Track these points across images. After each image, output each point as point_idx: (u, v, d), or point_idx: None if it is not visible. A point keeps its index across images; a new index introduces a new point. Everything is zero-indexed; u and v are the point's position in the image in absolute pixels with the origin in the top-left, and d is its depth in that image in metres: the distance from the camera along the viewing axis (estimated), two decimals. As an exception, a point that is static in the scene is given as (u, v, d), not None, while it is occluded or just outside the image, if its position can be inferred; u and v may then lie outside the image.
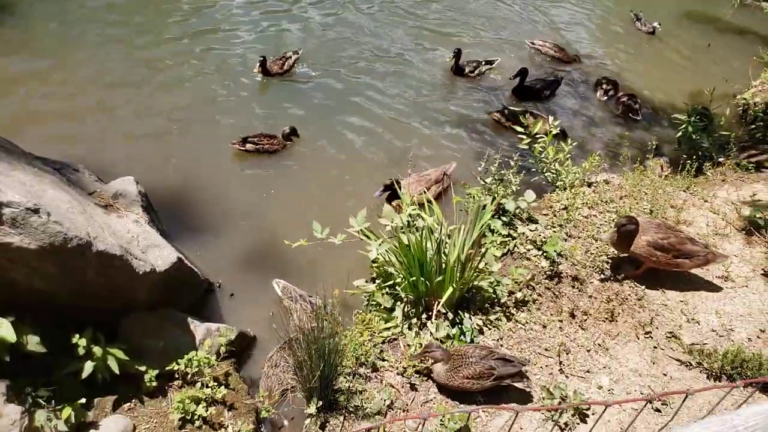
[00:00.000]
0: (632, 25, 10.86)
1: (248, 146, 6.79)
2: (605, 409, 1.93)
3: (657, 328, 4.78)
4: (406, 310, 4.84)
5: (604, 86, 8.81)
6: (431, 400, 4.28)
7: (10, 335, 3.13)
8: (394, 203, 6.04)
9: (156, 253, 4.18)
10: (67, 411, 3.51)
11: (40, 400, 3.50)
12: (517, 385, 4.16)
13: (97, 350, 3.65)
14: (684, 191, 6.45)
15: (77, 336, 3.58)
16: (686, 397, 2.06)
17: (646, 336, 4.71)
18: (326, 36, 9.32)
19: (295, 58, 8.38)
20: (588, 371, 4.43)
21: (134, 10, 8.98)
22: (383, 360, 4.51)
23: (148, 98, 7.44)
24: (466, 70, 8.81)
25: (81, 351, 3.57)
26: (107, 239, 3.68)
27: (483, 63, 8.94)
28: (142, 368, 3.97)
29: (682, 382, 4.34)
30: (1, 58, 7.48)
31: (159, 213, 5.43)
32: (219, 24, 9.07)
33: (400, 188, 5.95)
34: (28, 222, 3.17)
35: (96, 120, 6.95)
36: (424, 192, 5.54)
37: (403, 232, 4.77)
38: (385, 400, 4.16)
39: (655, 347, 4.62)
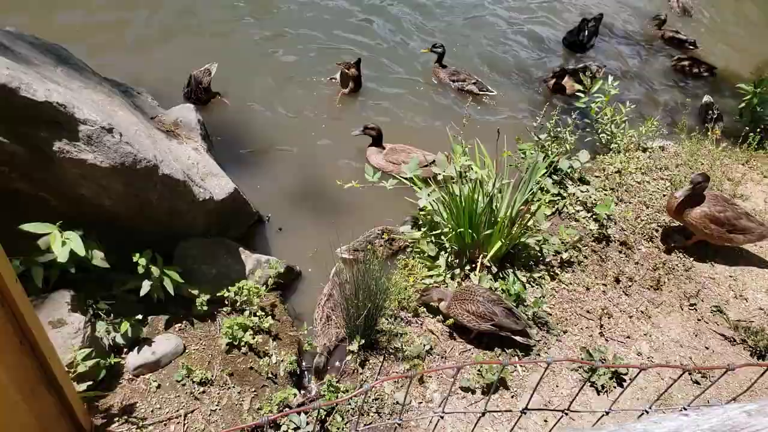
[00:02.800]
0: None
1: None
2: (638, 373, 1.94)
3: (703, 300, 4.74)
4: (449, 259, 4.87)
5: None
6: (469, 349, 4.35)
7: (80, 248, 3.24)
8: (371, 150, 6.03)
9: (214, 182, 4.24)
10: (125, 325, 3.65)
11: (101, 313, 3.66)
12: (518, 339, 4.21)
13: (155, 270, 3.76)
14: (743, 164, 6.25)
15: (138, 255, 3.69)
16: (725, 372, 2.05)
17: (691, 308, 4.68)
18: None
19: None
20: (628, 337, 4.44)
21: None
22: (425, 306, 4.58)
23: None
24: (591, 42, 8.26)
25: (140, 270, 3.68)
26: (171, 164, 3.74)
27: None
28: (195, 291, 4.08)
29: (725, 357, 4.33)
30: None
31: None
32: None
33: (381, 138, 5.94)
34: (102, 140, 3.23)
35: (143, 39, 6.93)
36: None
37: (454, 183, 4.75)
38: (424, 345, 4.24)
39: (699, 320, 4.60)
